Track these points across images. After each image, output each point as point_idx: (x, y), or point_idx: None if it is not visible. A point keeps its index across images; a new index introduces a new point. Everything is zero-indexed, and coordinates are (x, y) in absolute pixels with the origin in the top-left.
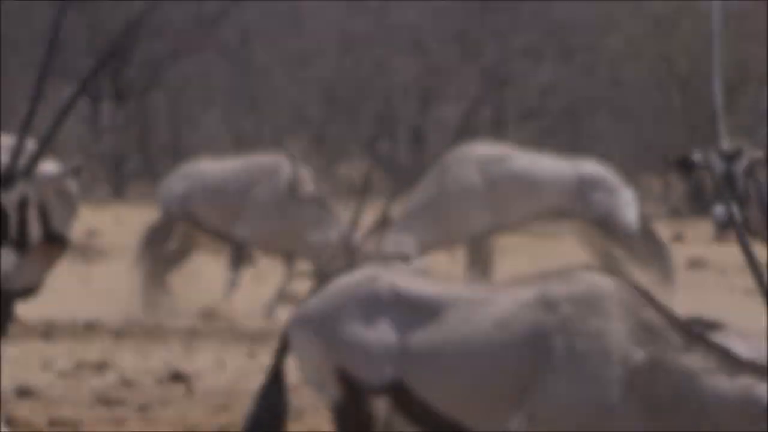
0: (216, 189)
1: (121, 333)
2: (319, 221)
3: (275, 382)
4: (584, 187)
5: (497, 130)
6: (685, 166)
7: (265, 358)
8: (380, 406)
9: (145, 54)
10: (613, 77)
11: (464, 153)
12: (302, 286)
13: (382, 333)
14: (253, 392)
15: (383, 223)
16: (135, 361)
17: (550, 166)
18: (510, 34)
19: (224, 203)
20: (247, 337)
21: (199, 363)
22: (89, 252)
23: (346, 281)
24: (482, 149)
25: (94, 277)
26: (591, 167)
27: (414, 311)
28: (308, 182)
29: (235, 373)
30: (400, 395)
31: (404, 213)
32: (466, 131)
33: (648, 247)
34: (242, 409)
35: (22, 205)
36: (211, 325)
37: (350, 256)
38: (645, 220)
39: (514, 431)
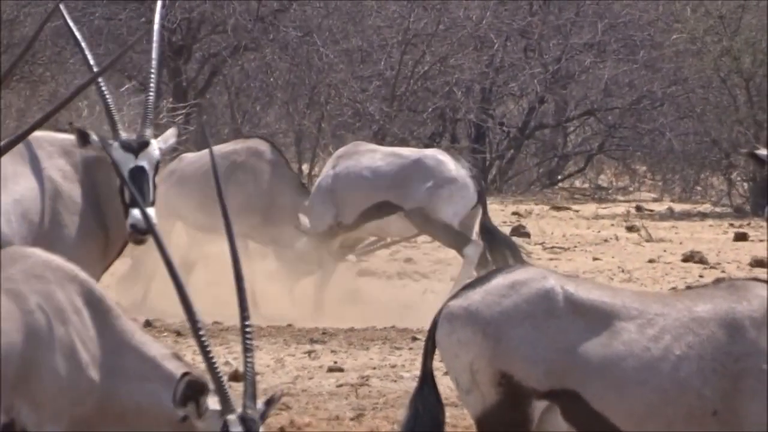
0: (196, 185)
1: (181, 332)
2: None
3: (429, 381)
4: (411, 176)
5: (559, 127)
6: (759, 159)
7: (324, 358)
8: (537, 414)
9: (205, 51)
10: (676, 74)
11: (337, 152)
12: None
13: (555, 338)
14: (312, 392)
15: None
16: (195, 359)
17: (385, 157)
18: (572, 29)
19: (207, 198)
20: (306, 337)
21: (258, 362)
22: (147, 250)
23: (511, 278)
24: (340, 151)
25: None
26: (429, 157)
27: (586, 317)
28: (289, 167)
29: (294, 373)
30: (570, 405)
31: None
32: (528, 128)
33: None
34: (301, 408)
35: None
36: (271, 325)
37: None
38: (484, 220)
39: None
